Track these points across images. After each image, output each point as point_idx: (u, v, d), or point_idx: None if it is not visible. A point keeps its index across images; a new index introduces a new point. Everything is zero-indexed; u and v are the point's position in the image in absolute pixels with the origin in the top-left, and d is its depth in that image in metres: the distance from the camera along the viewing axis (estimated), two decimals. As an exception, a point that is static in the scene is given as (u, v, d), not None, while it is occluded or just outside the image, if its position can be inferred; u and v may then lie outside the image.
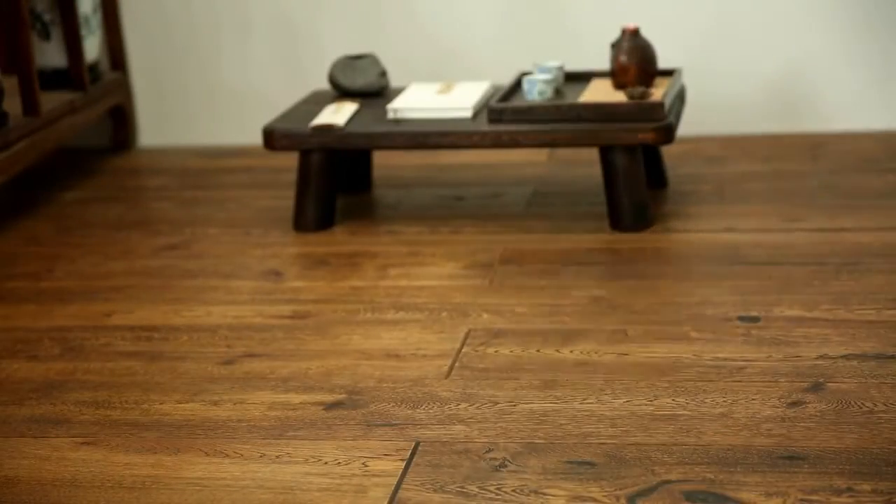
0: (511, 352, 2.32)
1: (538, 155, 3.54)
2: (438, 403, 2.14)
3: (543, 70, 3.04)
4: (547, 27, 3.63)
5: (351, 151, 3.06)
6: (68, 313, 2.63)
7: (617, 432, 2.01)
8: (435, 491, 1.88)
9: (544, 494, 1.85)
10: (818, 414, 2.02)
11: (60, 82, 3.49)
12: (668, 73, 3.09)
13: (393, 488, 1.89)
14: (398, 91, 3.22)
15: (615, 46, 2.99)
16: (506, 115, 2.91)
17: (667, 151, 3.46)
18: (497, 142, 2.89)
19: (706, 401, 2.09)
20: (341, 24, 3.72)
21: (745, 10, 3.57)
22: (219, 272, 2.81)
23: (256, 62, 3.79)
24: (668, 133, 2.82)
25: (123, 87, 3.78)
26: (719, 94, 3.59)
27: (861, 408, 2.03)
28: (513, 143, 2.88)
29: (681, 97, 3.08)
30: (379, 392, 2.20)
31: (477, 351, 2.34)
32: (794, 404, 2.06)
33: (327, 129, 2.92)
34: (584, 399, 2.13)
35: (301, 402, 2.18)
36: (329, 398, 2.19)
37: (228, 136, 3.83)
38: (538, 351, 2.32)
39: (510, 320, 2.46)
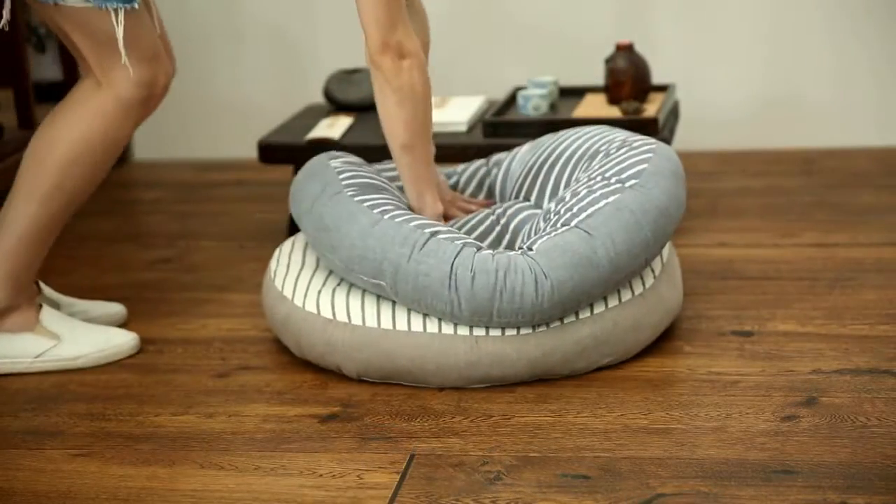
0: (505, 365, 2.33)
1: (532, 169, 3.55)
2: (433, 416, 2.15)
3: (538, 84, 3.05)
4: (542, 42, 3.64)
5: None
6: (63, 325, 2.62)
7: (611, 445, 2.01)
8: (430, 503, 1.88)
9: (539, 507, 1.86)
10: (812, 428, 2.03)
11: (56, 95, 3.49)
12: (662, 88, 3.11)
13: (388, 501, 1.89)
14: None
15: (609, 62, 3.00)
16: (500, 130, 2.92)
17: (660, 166, 3.47)
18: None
19: (700, 414, 2.10)
20: (336, 38, 3.73)
21: (739, 27, 3.58)
22: (213, 285, 2.81)
23: (251, 76, 3.80)
24: (662, 148, 2.82)
25: (118, 100, 3.78)
26: (713, 109, 3.61)
27: (854, 422, 2.04)
28: (507, 157, 2.89)
29: (675, 112, 3.09)
30: (374, 405, 2.20)
31: (471, 364, 2.34)
32: (787, 418, 2.07)
33: (322, 142, 2.93)
34: (579, 412, 2.13)
35: (296, 415, 2.18)
36: (324, 411, 2.19)
37: (223, 149, 3.83)
38: (532, 364, 2.32)
39: (504, 334, 2.46)
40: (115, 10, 2.22)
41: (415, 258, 2.18)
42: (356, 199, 2.29)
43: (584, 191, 2.29)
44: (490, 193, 2.64)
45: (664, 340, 2.38)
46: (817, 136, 3.60)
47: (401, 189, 2.45)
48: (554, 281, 2.16)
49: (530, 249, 2.21)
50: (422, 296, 2.18)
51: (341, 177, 2.36)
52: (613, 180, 2.29)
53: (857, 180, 3.29)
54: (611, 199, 2.24)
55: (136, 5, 2.24)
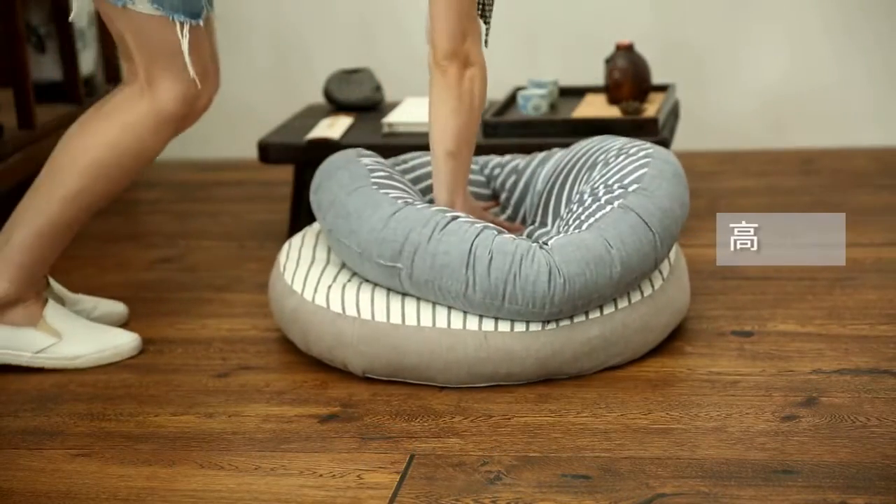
0: (505, 365, 2.32)
1: (532, 169, 3.54)
2: (433, 416, 2.15)
3: (538, 84, 3.05)
4: (541, 42, 3.64)
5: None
6: (63, 326, 2.62)
7: (611, 446, 2.01)
8: (430, 503, 1.88)
9: (539, 507, 1.86)
10: (812, 428, 2.03)
11: (56, 95, 3.49)
12: (662, 88, 3.10)
13: (388, 501, 1.89)
14: (393, 105, 3.23)
15: (609, 62, 3.00)
16: (500, 130, 2.92)
17: (660, 166, 3.46)
18: (492, 156, 2.89)
19: (700, 414, 2.10)
20: (336, 39, 3.73)
21: (739, 26, 3.58)
22: (213, 285, 2.82)
23: (250, 76, 3.80)
24: (662, 148, 2.82)
25: (118, 100, 3.77)
26: (713, 109, 3.61)
27: (854, 422, 2.04)
28: (507, 157, 2.89)
29: (675, 112, 3.09)
30: (374, 405, 2.20)
31: (471, 364, 2.34)
32: (787, 418, 2.07)
33: (322, 142, 2.93)
34: (579, 413, 2.13)
35: (296, 415, 2.18)
36: (324, 411, 2.19)
37: (223, 149, 3.83)
38: (532, 364, 2.32)
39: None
40: (182, 24, 2.23)
41: (435, 237, 2.20)
42: (381, 191, 2.32)
43: (589, 199, 2.31)
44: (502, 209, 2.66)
45: (665, 340, 2.38)
46: (817, 136, 3.60)
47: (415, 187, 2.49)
48: (567, 276, 2.17)
49: (545, 244, 2.23)
50: (438, 275, 2.19)
51: (371, 171, 2.39)
52: (616, 188, 2.30)
53: (856, 180, 3.29)
54: (616, 203, 2.26)
55: (202, 22, 2.25)
